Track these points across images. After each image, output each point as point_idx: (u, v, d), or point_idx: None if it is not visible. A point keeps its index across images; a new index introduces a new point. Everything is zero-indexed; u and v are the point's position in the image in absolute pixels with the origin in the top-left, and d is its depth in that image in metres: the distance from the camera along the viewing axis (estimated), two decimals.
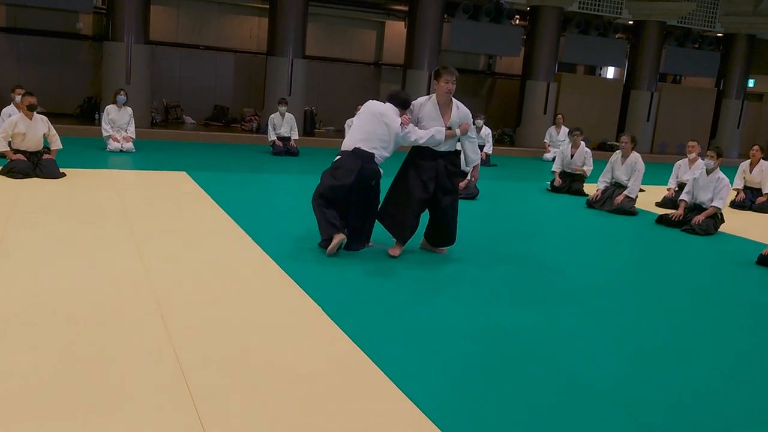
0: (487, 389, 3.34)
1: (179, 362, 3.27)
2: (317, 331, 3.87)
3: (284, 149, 12.25)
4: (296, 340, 3.71)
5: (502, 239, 6.85)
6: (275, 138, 12.33)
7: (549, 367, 3.65)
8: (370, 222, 5.81)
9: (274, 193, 8.76)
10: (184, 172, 9.13)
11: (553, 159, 11.48)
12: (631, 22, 18.23)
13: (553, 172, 10.49)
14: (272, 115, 12.49)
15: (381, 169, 5.64)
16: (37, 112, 8.25)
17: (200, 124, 15.97)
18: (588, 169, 10.25)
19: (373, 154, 5.52)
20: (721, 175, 8.14)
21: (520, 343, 3.98)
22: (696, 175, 8.38)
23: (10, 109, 9.26)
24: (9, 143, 8.02)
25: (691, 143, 9.83)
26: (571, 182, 10.28)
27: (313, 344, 3.67)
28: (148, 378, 3.10)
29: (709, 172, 8.19)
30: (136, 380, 3.07)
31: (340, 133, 13.76)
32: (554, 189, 10.33)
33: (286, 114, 12.45)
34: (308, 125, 15.32)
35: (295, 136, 12.52)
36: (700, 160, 8.62)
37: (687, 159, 9.86)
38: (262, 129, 14.37)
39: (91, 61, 15.26)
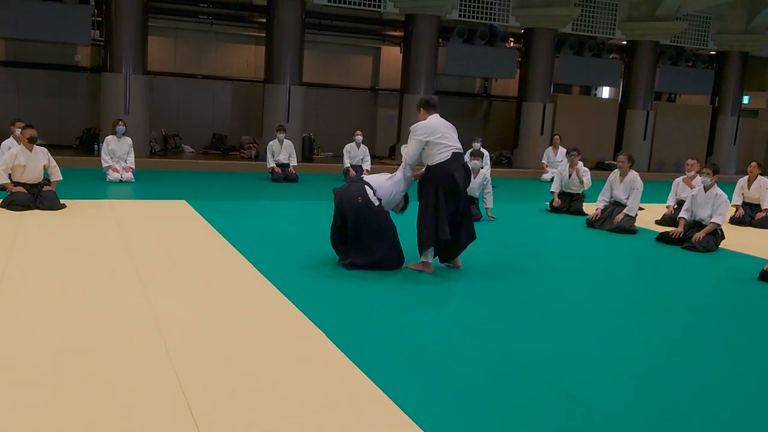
0: (494, 412, 3.32)
1: (183, 391, 3.25)
2: (320, 356, 3.86)
3: (283, 176, 12.29)
4: (299, 365, 3.70)
5: (503, 260, 6.85)
6: (274, 165, 12.37)
7: (554, 389, 3.63)
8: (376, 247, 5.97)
9: (274, 219, 8.77)
10: (184, 201, 9.15)
11: (552, 179, 11.51)
12: (624, 42, 18.40)
13: (552, 192, 10.52)
14: (271, 142, 12.55)
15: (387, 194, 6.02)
16: (37, 144, 8.28)
17: (199, 152, 16.03)
18: (586, 180, 10.24)
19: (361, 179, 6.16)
20: (719, 191, 8.16)
21: (525, 364, 3.96)
22: (694, 193, 8.40)
23: (10, 141, 9.30)
24: (9, 175, 8.05)
25: (690, 161, 9.85)
26: (570, 202, 10.31)
27: (316, 370, 3.66)
28: (152, 408, 3.09)
29: (706, 189, 8.21)
30: (140, 411, 3.05)
31: (339, 159, 13.81)
32: (553, 209, 10.35)
33: (285, 141, 12.51)
34: (307, 151, 15.39)
35: (293, 162, 12.56)
36: (698, 178, 8.66)
37: (686, 176, 9.88)
38: (260, 156, 14.43)
39: (89, 92, 15.38)
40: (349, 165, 12.90)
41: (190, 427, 2.92)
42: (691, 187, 9.10)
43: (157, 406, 3.12)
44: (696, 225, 8.24)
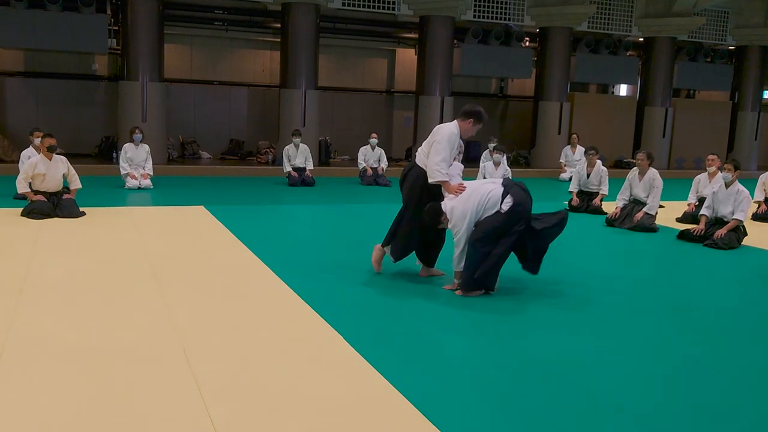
0: (515, 414, 3.28)
1: (202, 396, 3.25)
2: (338, 359, 3.84)
3: (300, 180, 12.31)
4: (318, 368, 3.68)
5: None
6: (290, 169, 12.40)
7: (578, 391, 3.59)
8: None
9: (291, 223, 8.77)
10: (202, 207, 9.18)
11: (570, 179, 11.44)
12: (641, 39, 18.25)
13: (571, 192, 10.45)
14: (287, 147, 12.58)
15: None
16: (56, 153, 8.36)
17: (216, 158, 16.11)
18: (604, 189, 10.19)
19: None
20: (741, 187, 8.05)
21: (548, 367, 3.91)
22: (715, 189, 8.29)
23: (30, 151, 9.38)
24: (29, 184, 8.13)
25: (711, 157, 9.72)
26: (589, 201, 10.23)
27: (335, 373, 3.64)
28: (170, 412, 3.09)
29: (727, 185, 8.10)
30: (158, 414, 3.05)
31: (355, 162, 13.81)
32: (572, 209, 10.25)
33: (301, 145, 12.54)
34: (323, 155, 15.40)
35: (310, 166, 12.59)
36: (719, 174, 8.55)
37: (707, 173, 9.76)
38: (277, 161, 14.47)
39: (107, 101, 15.51)
40: (364, 165, 12.99)
41: (208, 431, 2.92)
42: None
43: (175, 410, 3.11)
44: (717, 222, 8.13)
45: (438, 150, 5.42)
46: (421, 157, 5.66)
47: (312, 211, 9.82)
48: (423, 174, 5.57)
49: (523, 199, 5.37)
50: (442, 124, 5.72)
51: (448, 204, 5.36)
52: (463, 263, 5.32)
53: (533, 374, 3.78)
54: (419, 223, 5.61)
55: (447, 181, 5.45)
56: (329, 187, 12.42)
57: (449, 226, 5.37)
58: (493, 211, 5.27)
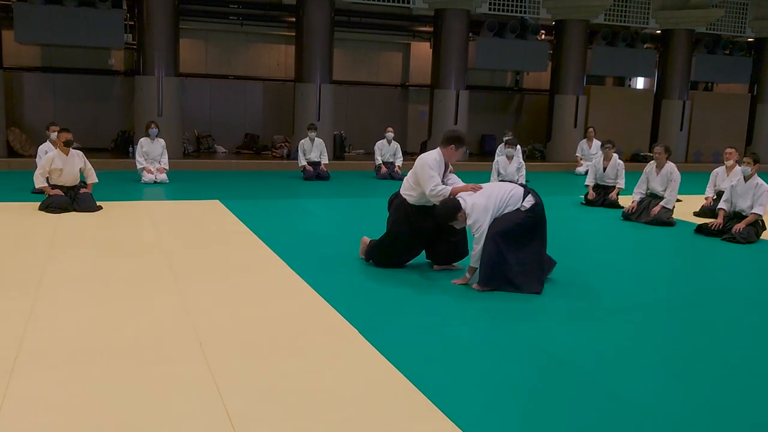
0: (532, 409, 3.27)
1: (218, 390, 3.26)
2: (355, 353, 3.84)
3: (315, 174, 12.32)
4: (334, 363, 3.68)
5: None
6: (305, 163, 12.41)
7: (594, 387, 3.56)
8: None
9: (306, 217, 8.78)
10: (218, 201, 9.22)
11: (586, 172, 11.37)
12: (658, 32, 18.08)
13: (587, 186, 10.39)
14: (302, 141, 12.59)
15: None
16: (73, 148, 8.41)
17: (232, 152, 16.17)
18: (621, 182, 10.12)
19: None
20: (760, 181, 7.96)
21: (564, 362, 3.89)
22: (733, 183, 8.21)
23: (46, 146, 9.46)
24: (47, 179, 8.19)
25: (728, 150, 9.62)
26: (605, 195, 10.16)
27: (351, 367, 3.64)
28: (187, 405, 3.10)
29: (746, 178, 8.02)
30: (175, 408, 3.07)
31: (370, 156, 13.82)
32: (588, 202, 10.20)
33: (316, 139, 12.54)
34: (338, 149, 15.40)
35: (325, 160, 12.60)
36: (737, 167, 8.45)
37: (724, 166, 9.66)
38: (292, 155, 14.48)
39: (123, 95, 15.60)
40: (380, 162, 12.98)
41: (224, 424, 2.93)
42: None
43: (191, 403, 3.13)
44: (736, 216, 8.05)
45: (426, 180, 5.54)
46: (406, 187, 5.77)
47: (327, 205, 9.83)
48: (407, 203, 5.74)
49: (539, 201, 5.45)
50: (423, 154, 5.76)
51: (468, 200, 5.35)
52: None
53: (549, 368, 3.76)
54: (399, 244, 5.81)
55: (453, 187, 5.54)
56: (344, 181, 12.43)
57: (469, 222, 5.35)
58: (514, 209, 5.30)
